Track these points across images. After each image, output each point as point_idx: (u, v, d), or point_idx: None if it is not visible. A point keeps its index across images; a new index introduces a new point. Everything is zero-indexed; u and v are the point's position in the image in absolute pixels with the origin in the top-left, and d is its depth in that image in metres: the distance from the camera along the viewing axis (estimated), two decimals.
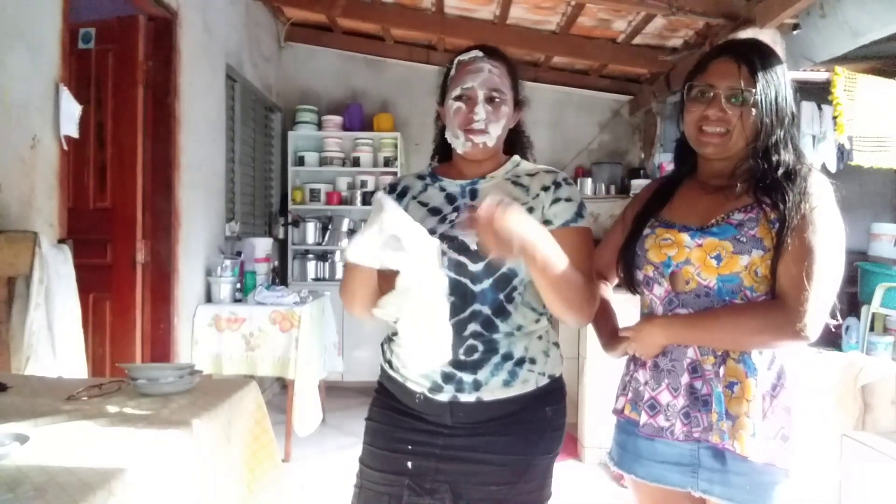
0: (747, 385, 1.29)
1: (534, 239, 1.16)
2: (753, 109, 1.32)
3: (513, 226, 1.12)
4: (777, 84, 1.33)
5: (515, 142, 1.50)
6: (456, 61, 1.43)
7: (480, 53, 1.40)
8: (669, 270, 1.37)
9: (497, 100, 1.37)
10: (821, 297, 1.24)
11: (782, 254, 1.26)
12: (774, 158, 1.32)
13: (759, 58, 1.34)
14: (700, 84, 1.36)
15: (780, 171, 1.31)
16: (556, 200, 1.37)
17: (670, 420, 1.35)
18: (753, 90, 1.31)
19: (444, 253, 1.30)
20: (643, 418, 1.39)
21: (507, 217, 1.11)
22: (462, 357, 1.31)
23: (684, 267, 1.35)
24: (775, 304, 1.27)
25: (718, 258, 1.31)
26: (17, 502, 0.94)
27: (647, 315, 1.45)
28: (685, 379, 1.34)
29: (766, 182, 1.32)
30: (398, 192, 1.48)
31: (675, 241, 1.37)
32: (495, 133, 1.38)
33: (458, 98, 1.38)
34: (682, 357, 1.35)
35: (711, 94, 1.34)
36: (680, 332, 1.34)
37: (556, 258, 1.20)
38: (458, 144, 1.40)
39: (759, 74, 1.32)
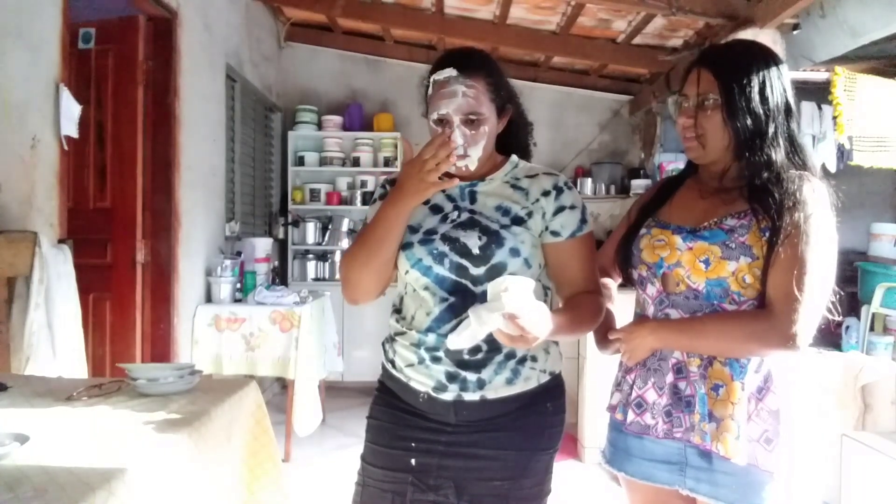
0: (733, 388, 1.29)
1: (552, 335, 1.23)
2: (719, 112, 1.33)
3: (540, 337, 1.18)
4: (758, 82, 1.32)
5: (510, 140, 1.48)
6: (432, 80, 1.39)
7: (454, 73, 1.35)
8: (661, 271, 1.38)
9: (476, 120, 1.34)
10: (810, 308, 1.24)
11: (773, 263, 1.25)
12: (762, 157, 1.32)
13: (726, 61, 1.36)
14: (678, 94, 1.41)
15: (770, 172, 1.30)
16: (559, 209, 1.37)
17: (655, 418, 1.37)
18: (715, 95, 1.33)
19: (445, 255, 1.33)
20: (630, 416, 1.41)
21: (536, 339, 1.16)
22: (466, 357, 1.32)
23: (675, 269, 1.36)
24: (763, 314, 1.27)
25: (707, 262, 1.31)
26: (17, 502, 0.94)
27: (640, 315, 1.47)
28: (669, 378, 1.36)
29: (754, 184, 1.31)
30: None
31: (668, 243, 1.37)
32: (476, 155, 1.36)
33: (438, 122, 1.36)
34: (669, 357, 1.36)
35: (684, 103, 1.39)
36: (669, 337, 1.35)
37: (566, 329, 1.28)
38: None
39: (727, 77, 1.32)
